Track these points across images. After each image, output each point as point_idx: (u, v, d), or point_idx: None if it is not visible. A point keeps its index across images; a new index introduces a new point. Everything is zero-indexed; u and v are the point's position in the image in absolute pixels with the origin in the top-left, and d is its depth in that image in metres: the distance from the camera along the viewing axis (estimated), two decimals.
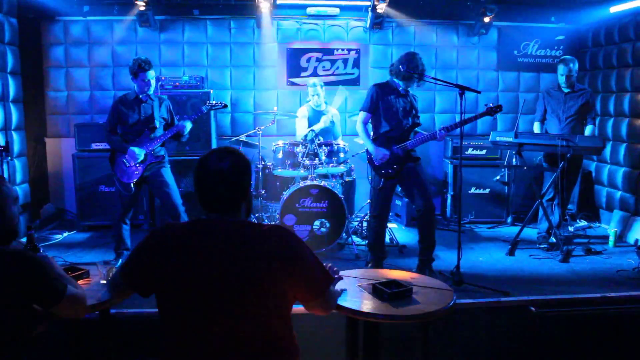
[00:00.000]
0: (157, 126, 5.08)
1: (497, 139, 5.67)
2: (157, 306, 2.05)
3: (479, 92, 4.88)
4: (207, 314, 1.95)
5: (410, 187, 4.88)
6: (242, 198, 2.10)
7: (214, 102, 5.30)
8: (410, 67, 4.68)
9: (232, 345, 1.95)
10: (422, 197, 4.82)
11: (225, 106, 5.37)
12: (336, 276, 2.74)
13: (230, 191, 2.05)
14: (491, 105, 4.75)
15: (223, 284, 1.93)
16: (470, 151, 6.93)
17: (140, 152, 4.95)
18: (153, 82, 5.04)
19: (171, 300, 2.01)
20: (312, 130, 5.60)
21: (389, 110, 4.86)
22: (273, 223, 2.18)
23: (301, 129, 6.20)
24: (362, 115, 4.96)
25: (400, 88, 4.85)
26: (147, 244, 2.09)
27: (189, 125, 5.10)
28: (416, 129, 4.95)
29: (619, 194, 6.54)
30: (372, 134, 5.01)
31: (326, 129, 6.20)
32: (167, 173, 5.09)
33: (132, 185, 5.00)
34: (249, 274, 1.94)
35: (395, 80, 4.86)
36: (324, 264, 2.73)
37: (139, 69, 4.92)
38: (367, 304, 2.60)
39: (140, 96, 5.03)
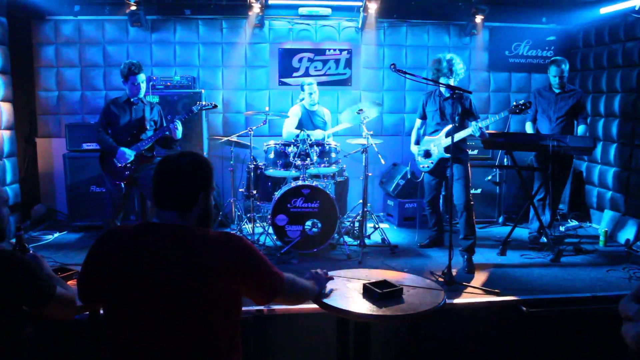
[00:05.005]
0: (148, 128, 5.10)
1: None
2: (103, 316, 2.02)
3: (470, 92, 4.95)
4: (149, 324, 1.91)
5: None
6: (193, 197, 2.05)
7: (205, 103, 5.32)
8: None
9: (177, 355, 1.92)
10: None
11: (215, 106, 5.37)
12: (326, 277, 2.74)
13: (182, 185, 2.03)
14: (515, 103, 5.06)
15: (166, 294, 1.90)
16: None
17: (130, 153, 4.95)
18: (143, 85, 5.06)
19: (114, 311, 1.98)
20: (304, 130, 5.60)
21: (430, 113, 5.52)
22: (222, 230, 2.13)
23: (288, 128, 6.20)
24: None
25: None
26: (91, 256, 2.04)
27: (180, 127, 5.07)
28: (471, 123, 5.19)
29: (609, 194, 6.57)
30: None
31: (317, 128, 6.20)
32: None
33: (122, 185, 4.99)
34: (193, 283, 1.90)
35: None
36: (316, 270, 2.74)
37: (129, 72, 4.96)
38: (357, 304, 2.60)
39: (132, 99, 5.06)
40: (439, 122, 5.38)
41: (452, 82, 5.13)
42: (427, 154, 5.46)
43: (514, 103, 5.06)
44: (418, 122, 5.69)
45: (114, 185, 5.03)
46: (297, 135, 5.55)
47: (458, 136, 5.12)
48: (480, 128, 5.04)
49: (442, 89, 5.29)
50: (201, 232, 2.02)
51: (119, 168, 4.97)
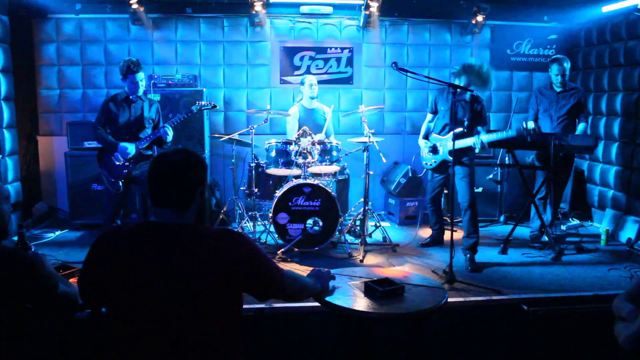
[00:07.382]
0: (146, 126, 5.11)
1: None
2: (106, 316, 2.02)
3: (471, 91, 4.94)
4: (151, 322, 1.91)
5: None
6: (191, 194, 2.05)
7: (204, 102, 5.32)
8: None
9: (178, 353, 1.92)
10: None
11: (215, 107, 5.38)
12: (328, 275, 2.75)
13: (179, 182, 2.03)
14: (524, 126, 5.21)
15: (168, 293, 1.90)
16: None
17: (131, 148, 4.95)
18: (142, 83, 5.06)
19: (116, 310, 1.98)
20: (305, 130, 5.60)
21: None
22: (222, 227, 2.16)
23: (292, 129, 6.20)
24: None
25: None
26: (91, 256, 2.04)
27: (170, 132, 5.07)
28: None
29: (611, 192, 6.57)
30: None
31: (318, 126, 6.19)
32: None
33: (120, 183, 5.00)
34: (194, 280, 1.90)
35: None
36: (318, 268, 2.74)
37: (128, 70, 4.96)
38: (359, 302, 2.60)
39: (131, 96, 5.05)
40: (448, 122, 5.37)
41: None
42: (434, 150, 5.44)
43: (523, 126, 5.13)
44: (429, 116, 5.67)
45: (112, 184, 5.04)
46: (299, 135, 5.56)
47: (461, 144, 5.10)
48: (482, 142, 5.05)
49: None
50: (201, 229, 2.02)
51: (117, 166, 4.98)
